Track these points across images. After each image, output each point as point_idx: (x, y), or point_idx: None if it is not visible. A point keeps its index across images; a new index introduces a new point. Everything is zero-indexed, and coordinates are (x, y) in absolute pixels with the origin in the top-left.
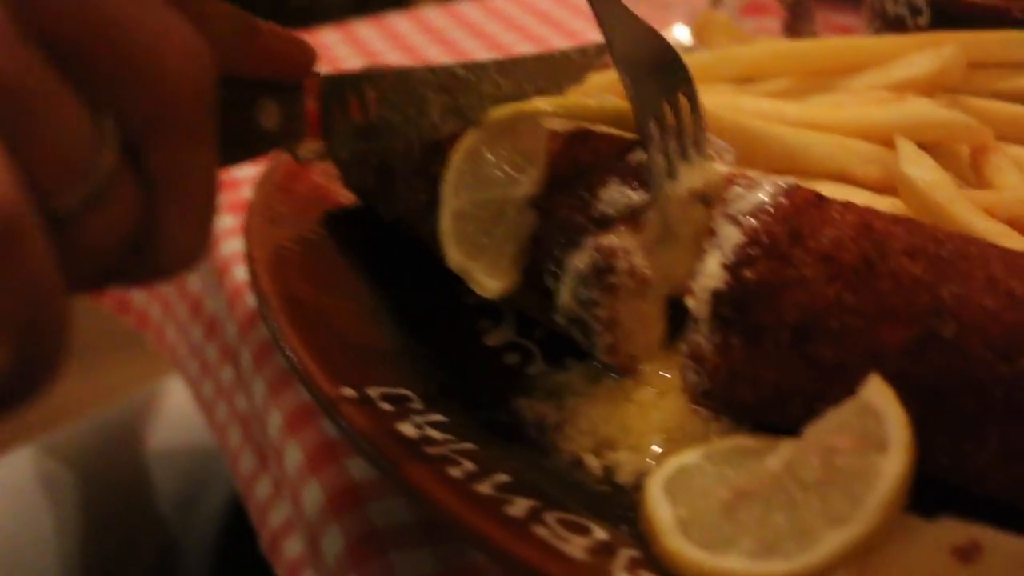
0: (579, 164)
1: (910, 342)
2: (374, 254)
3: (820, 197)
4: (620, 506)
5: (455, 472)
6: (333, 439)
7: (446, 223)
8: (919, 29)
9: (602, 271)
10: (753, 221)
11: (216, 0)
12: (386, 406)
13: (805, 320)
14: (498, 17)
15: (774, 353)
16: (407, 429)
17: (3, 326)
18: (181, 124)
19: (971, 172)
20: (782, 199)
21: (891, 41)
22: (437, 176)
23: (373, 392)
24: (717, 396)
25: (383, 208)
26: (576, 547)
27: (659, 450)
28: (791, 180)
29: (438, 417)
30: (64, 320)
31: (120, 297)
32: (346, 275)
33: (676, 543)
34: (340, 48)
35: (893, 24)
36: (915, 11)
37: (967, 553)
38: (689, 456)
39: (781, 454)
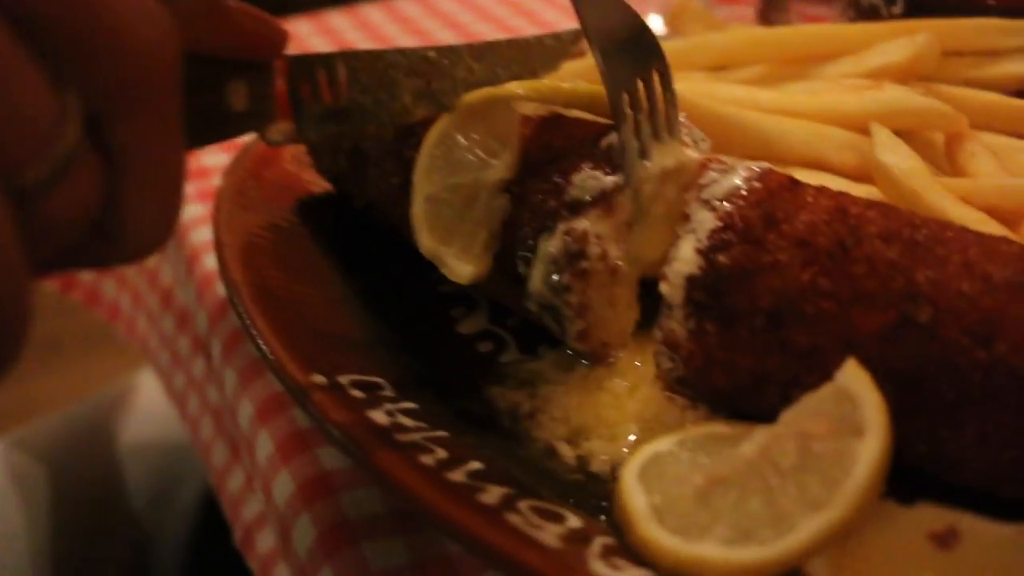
0: (552, 149)
1: (886, 327)
2: (346, 242)
3: (794, 181)
4: (594, 495)
5: (427, 460)
6: (304, 429)
7: (418, 207)
8: (893, 18)
9: (574, 256)
10: (727, 206)
11: None
12: (357, 393)
13: (779, 305)
14: (471, 7)
15: (749, 339)
16: (378, 417)
17: None
18: (145, 98)
19: (946, 160)
20: (756, 183)
21: (865, 29)
22: (410, 160)
23: (344, 380)
24: (691, 383)
25: (355, 192)
26: (550, 535)
27: (633, 439)
28: (765, 165)
29: (410, 405)
30: (26, 301)
31: (90, 288)
32: (318, 263)
33: (650, 531)
34: (313, 39)
35: (867, 13)
36: (889, 0)
37: (945, 538)
38: (663, 443)
39: (756, 440)
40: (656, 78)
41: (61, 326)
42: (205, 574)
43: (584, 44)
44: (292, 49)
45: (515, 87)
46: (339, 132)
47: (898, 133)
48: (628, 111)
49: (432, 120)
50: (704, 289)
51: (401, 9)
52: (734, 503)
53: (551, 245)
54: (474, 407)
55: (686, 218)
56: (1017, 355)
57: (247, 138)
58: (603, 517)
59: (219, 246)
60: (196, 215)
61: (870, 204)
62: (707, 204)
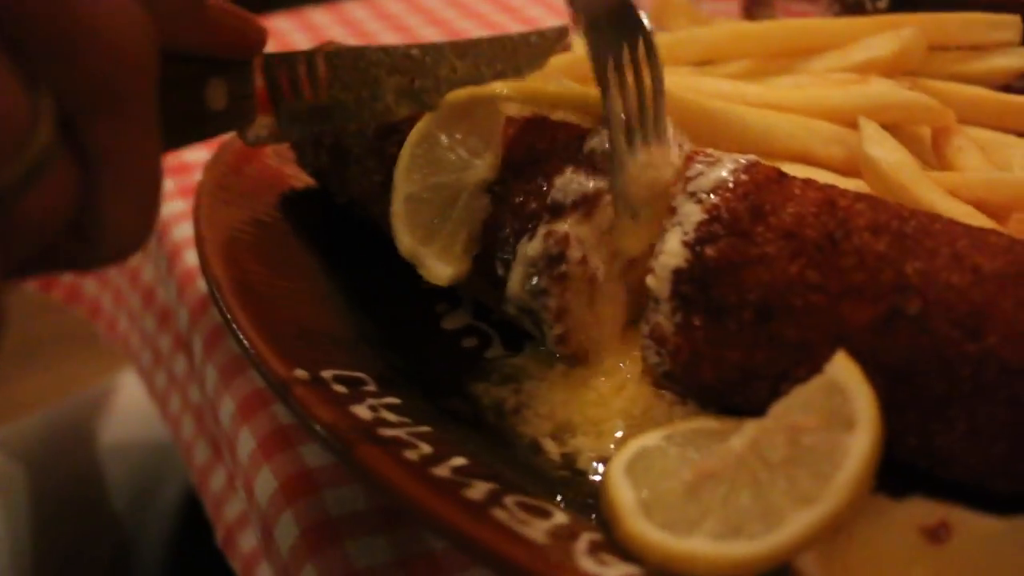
0: (535, 151)
1: (875, 320)
2: (329, 237)
3: (781, 174)
4: (581, 491)
5: (411, 455)
6: (286, 426)
7: (398, 207)
8: (878, 13)
9: (553, 259)
10: (714, 198)
11: None
12: (340, 388)
13: (768, 298)
14: (454, 3)
15: (737, 332)
16: (362, 412)
17: None
18: (121, 98)
19: (932, 154)
20: (743, 176)
21: (850, 23)
22: (392, 157)
23: (327, 374)
24: (679, 377)
25: (337, 188)
26: (537, 531)
27: (620, 435)
28: (752, 157)
29: (393, 400)
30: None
31: (70, 287)
32: (300, 258)
33: (638, 526)
34: (295, 35)
35: (852, 8)
36: None
37: (936, 533)
38: (650, 438)
39: (745, 434)
40: (641, 48)
41: (40, 327)
42: (187, 574)
43: (570, 40)
44: (273, 46)
45: (499, 87)
46: (320, 131)
47: (884, 127)
48: (613, 79)
49: (415, 118)
50: (691, 282)
51: (383, 5)
52: (723, 497)
53: (531, 248)
54: (458, 403)
55: (672, 211)
56: (1007, 348)
57: (228, 134)
58: (593, 516)
59: (200, 241)
60: (177, 211)
61: (858, 196)
62: (693, 196)
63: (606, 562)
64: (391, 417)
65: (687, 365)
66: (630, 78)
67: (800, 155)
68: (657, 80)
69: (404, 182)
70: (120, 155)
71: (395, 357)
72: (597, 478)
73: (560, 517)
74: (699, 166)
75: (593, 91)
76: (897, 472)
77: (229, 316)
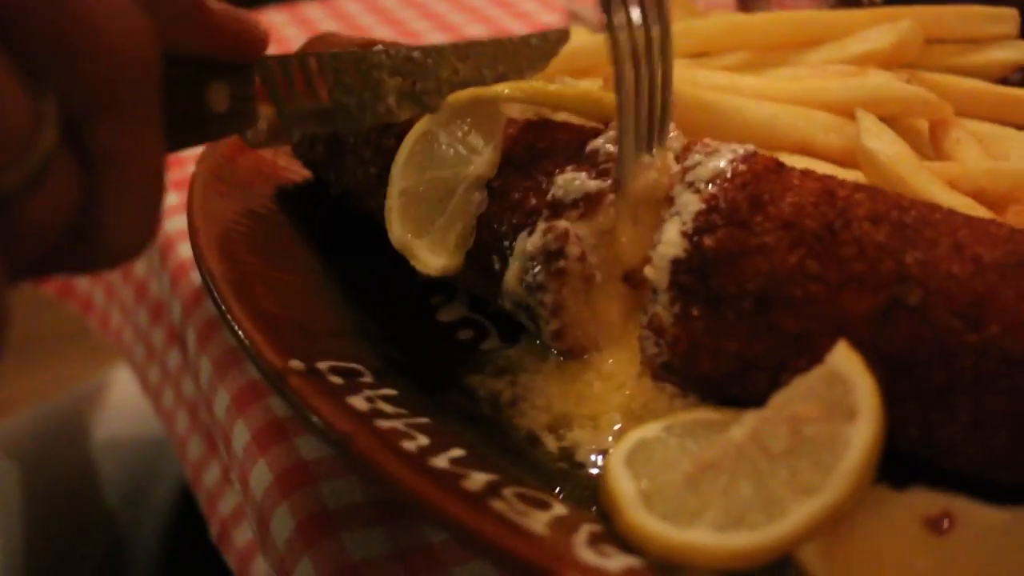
0: (535, 149)
1: (875, 310)
2: (324, 229)
3: (780, 164)
4: (579, 484)
5: (409, 446)
6: (281, 418)
7: (392, 201)
8: (875, 6)
9: (552, 254)
10: (712, 188)
11: None
12: (336, 379)
13: (767, 288)
14: None
15: (736, 322)
16: (358, 403)
17: None
18: (124, 101)
19: (930, 146)
20: (741, 166)
21: (848, 15)
22: (388, 149)
23: (322, 366)
24: (677, 368)
25: (331, 179)
26: (536, 522)
27: (618, 427)
28: (750, 147)
29: (390, 391)
30: (3, 306)
31: (63, 282)
32: (295, 250)
33: (639, 517)
34: (288, 29)
35: (848, 1)
36: None
37: (939, 523)
38: (650, 429)
39: (746, 424)
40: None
41: (31, 325)
42: (181, 571)
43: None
44: (294, 33)
45: (502, 88)
46: (321, 132)
47: (882, 120)
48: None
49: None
50: (690, 272)
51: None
52: (724, 488)
53: (529, 243)
54: (454, 395)
55: (670, 201)
56: (1008, 338)
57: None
58: (593, 508)
59: (193, 231)
60: (169, 204)
61: (857, 187)
62: (691, 186)
63: (607, 554)
64: (388, 408)
65: (686, 356)
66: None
67: (799, 145)
68: (667, 72)
69: (401, 177)
70: (123, 158)
71: (391, 349)
72: (595, 471)
73: (559, 509)
74: (697, 156)
75: (595, 90)
76: (899, 463)
77: (224, 307)
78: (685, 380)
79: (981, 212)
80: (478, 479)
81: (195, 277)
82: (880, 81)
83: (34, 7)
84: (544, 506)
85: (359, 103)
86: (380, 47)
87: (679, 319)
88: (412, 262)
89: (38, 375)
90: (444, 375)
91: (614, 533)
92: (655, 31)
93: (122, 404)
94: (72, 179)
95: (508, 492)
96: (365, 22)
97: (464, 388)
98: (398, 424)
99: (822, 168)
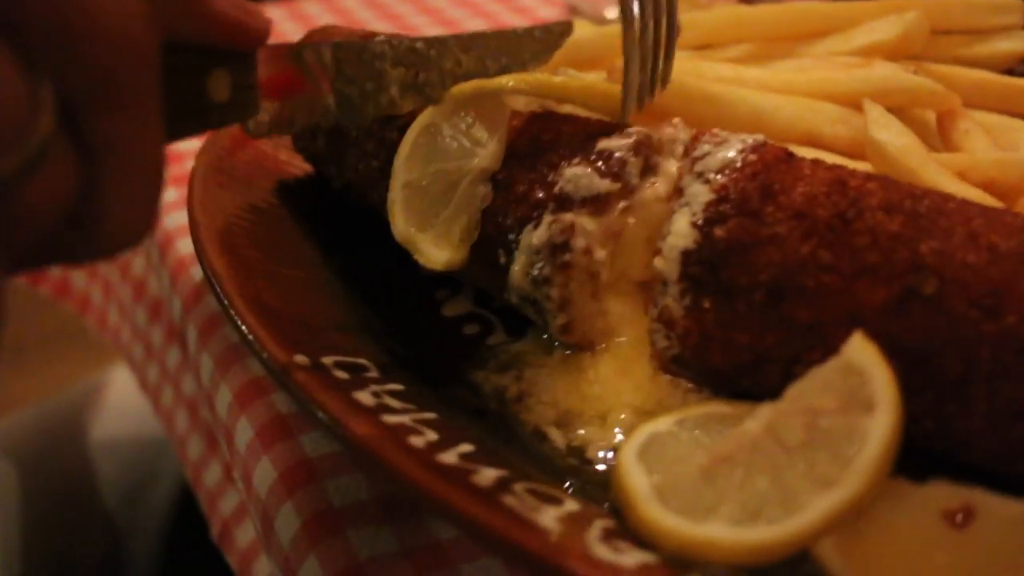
0: (540, 142)
1: (890, 301)
2: (326, 224)
3: (790, 154)
4: (588, 480)
5: (417, 441)
6: (285, 415)
7: (395, 193)
8: None
9: (557, 248)
10: (722, 178)
11: None
12: (342, 375)
13: (779, 279)
14: None
15: (747, 314)
16: (365, 398)
17: None
18: (122, 89)
19: (938, 138)
20: (751, 155)
21: (853, 7)
22: (391, 142)
23: (327, 360)
24: (688, 361)
25: (333, 173)
26: (548, 517)
27: (628, 422)
28: (760, 137)
29: (396, 386)
30: (0, 295)
31: (60, 281)
32: (297, 244)
33: (653, 511)
34: (285, 24)
35: None
36: None
37: (959, 517)
38: (661, 423)
39: (761, 417)
40: None
41: (29, 325)
42: (181, 571)
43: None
44: (292, 27)
45: (506, 80)
46: (324, 124)
47: (889, 111)
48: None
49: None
50: (700, 263)
51: None
52: (740, 482)
53: (535, 236)
54: (460, 390)
55: (679, 192)
56: None
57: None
58: (605, 505)
59: (194, 226)
60: (169, 200)
61: (869, 176)
62: (701, 177)
63: (620, 549)
64: (395, 403)
65: (696, 348)
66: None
67: (805, 136)
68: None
69: (404, 170)
70: (121, 146)
71: (395, 344)
72: (605, 466)
73: (571, 504)
74: (706, 146)
75: (601, 82)
76: (916, 456)
77: (226, 302)
78: (696, 373)
79: (991, 203)
80: (488, 474)
81: (195, 273)
82: (887, 72)
83: None
84: (555, 502)
85: (361, 94)
86: (383, 38)
87: (690, 311)
88: (415, 256)
89: (36, 376)
90: (449, 370)
91: (627, 528)
92: None
93: (120, 404)
94: (70, 167)
95: (519, 487)
96: (363, 16)
97: (469, 384)
98: (405, 419)
99: (830, 160)
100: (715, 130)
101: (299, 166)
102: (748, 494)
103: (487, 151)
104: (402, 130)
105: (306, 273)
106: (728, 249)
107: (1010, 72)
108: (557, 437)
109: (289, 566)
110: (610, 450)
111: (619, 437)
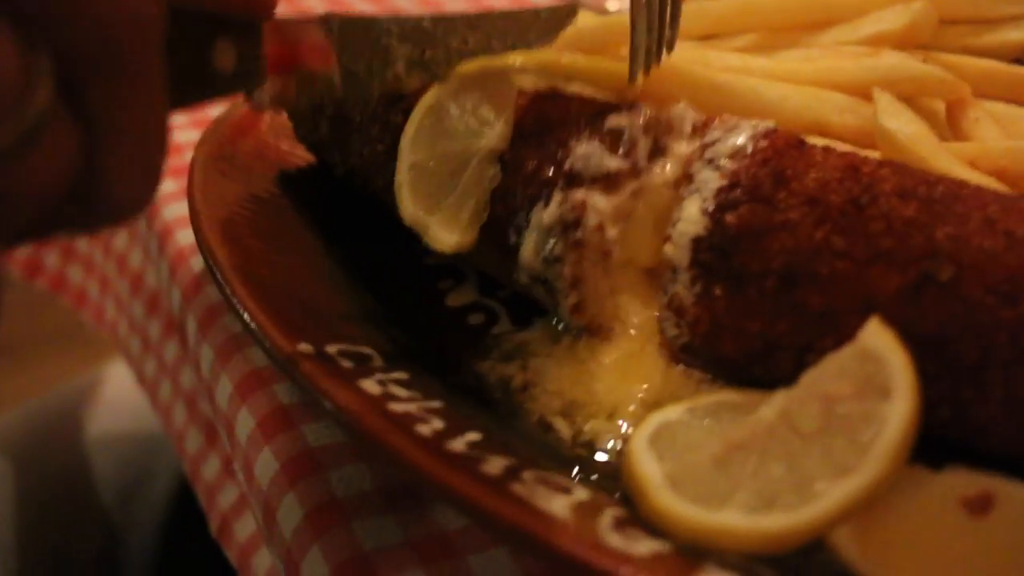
0: (548, 120)
1: (905, 287)
2: (327, 214)
3: (801, 140)
4: (596, 470)
5: (424, 430)
6: (286, 405)
7: (402, 175)
8: None
9: (569, 225)
10: (733, 164)
11: None
12: (346, 363)
13: (792, 265)
14: None
15: (759, 301)
16: (370, 386)
17: None
18: (124, 57)
19: (947, 127)
20: (762, 141)
21: None
22: (396, 125)
23: (332, 349)
24: (698, 350)
25: (336, 160)
26: (558, 505)
27: (636, 412)
28: (771, 123)
29: (402, 375)
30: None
31: (56, 274)
32: (299, 234)
33: (666, 499)
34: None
35: None
36: None
37: (978, 505)
38: (672, 412)
39: (775, 404)
40: None
41: (24, 323)
42: (178, 568)
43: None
44: (286, 9)
45: (512, 58)
46: (328, 98)
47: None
48: None
49: (422, 88)
50: (711, 250)
51: None
52: (754, 469)
53: (546, 214)
54: (466, 380)
55: (689, 179)
56: None
57: (220, 109)
58: (617, 495)
59: (194, 214)
60: (167, 191)
61: (882, 163)
62: (711, 163)
63: (633, 537)
64: (400, 392)
65: (707, 337)
66: None
67: (814, 126)
68: None
69: (410, 151)
70: (123, 116)
71: (399, 334)
72: (611, 457)
73: (581, 493)
74: (716, 132)
75: (609, 61)
76: (932, 444)
77: (228, 290)
78: (706, 362)
79: (1004, 191)
80: (497, 463)
81: (195, 264)
82: (895, 60)
83: None
84: (565, 490)
85: (367, 69)
86: (389, 16)
87: (700, 299)
88: (425, 239)
89: (31, 373)
90: (454, 360)
91: (639, 517)
92: None
93: (116, 400)
94: (70, 138)
95: (528, 476)
96: (362, 8)
97: (474, 373)
98: (412, 408)
99: (840, 148)
100: (725, 116)
101: (301, 156)
102: (763, 481)
103: (494, 131)
104: (407, 113)
105: (308, 263)
106: (739, 235)
107: (1019, 61)
108: (563, 427)
109: (291, 558)
110: (618, 440)
111: (627, 427)
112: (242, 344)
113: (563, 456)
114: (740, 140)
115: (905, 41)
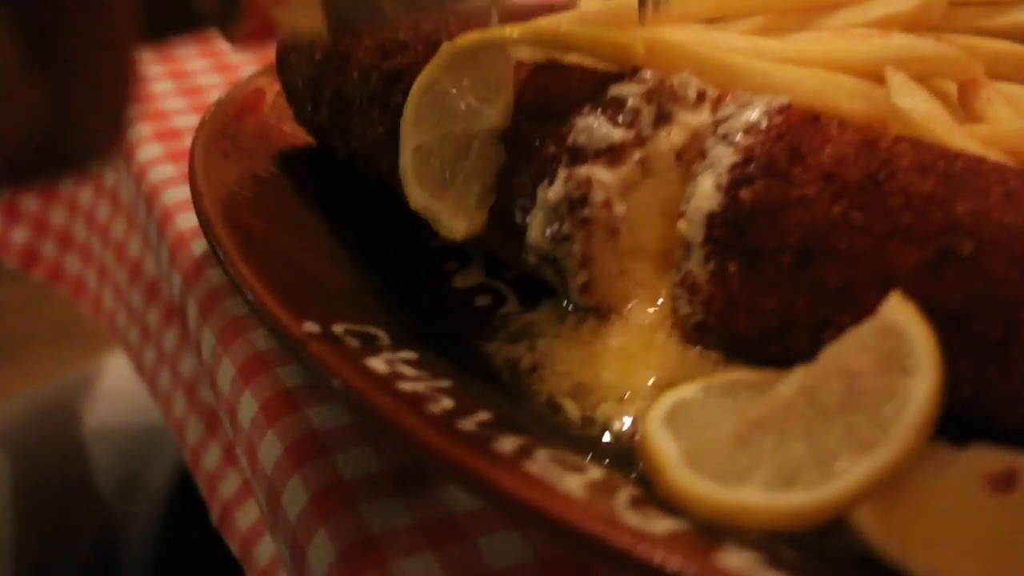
0: (549, 93)
1: (925, 262)
2: (331, 195)
3: (816, 115)
4: (607, 452)
5: (434, 409)
6: (290, 388)
7: (406, 160)
8: None
9: (576, 203)
10: (747, 139)
11: None
12: (353, 342)
13: (808, 241)
14: None
15: (775, 278)
16: (378, 365)
17: None
18: (93, 4)
19: (959, 108)
20: (777, 117)
21: None
22: (397, 106)
23: (338, 329)
24: (712, 328)
25: (338, 144)
26: (573, 484)
27: (645, 392)
28: (785, 99)
29: (409, 354)
30: None
31: (54, 265)
32: (302, 215)
33: (684, 477)
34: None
35: None
36: None
37: (1003, 481)
38: (687, 390)
39: (794, 381)
40: None
41: (22, 317)
42: (178, 558)
43: None
44: None
45: (509, 30)
46: (313, 41)
47: None
48: None
49: (420, 65)
50: (726, 226)
51: None
52: (774, 446)
53: (551, 193)
54: (472, 361)
55: (702, 154)
56: None
57: (219, 94)
58: (632, 475)
59: (196, 195)
60: (167, 176)
61: (899, 138)
62: (725, 139)
63: (650, 516)
64: (408, 371)
65: (721, 314)
66: None
67: (823, 110)
68: None
69: (411, 134)
70: (94, 55)
71: (405, 316)
72: (624, 437)
73: (595, 472)
74: (730, 108)
75: (612, 31)
76: (953, 425)
77: (232, 271)
78: (720, 340)
79: None
80: (509, 441)
81: (195, 248)
82: (906, 41)
83: None
84: (580, 469)
85: (354, 7)
86: None
87: (714, 276)
88: (436, 227)
89: (28, 367)
90: (461, 341)
91: (655, 497)
92: None
93: (114, 392)
94: (37, 90)
95: (541, 455)
96: None
97: (481, 354)
98: (420, 387)
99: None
100: (738, 91)
101: (302, 137)
102: (783, 459)
103: (495, 109)
104: (406, 93)
105: (312, 244)
106: (754, 211)
107: None
108: (572, 408)
109: (297, 542)
110: (629, 421)
111: (638, 407)
112: (244, 328)
113: (573, 436)
114: (754, 116)
115: (915, 23)
